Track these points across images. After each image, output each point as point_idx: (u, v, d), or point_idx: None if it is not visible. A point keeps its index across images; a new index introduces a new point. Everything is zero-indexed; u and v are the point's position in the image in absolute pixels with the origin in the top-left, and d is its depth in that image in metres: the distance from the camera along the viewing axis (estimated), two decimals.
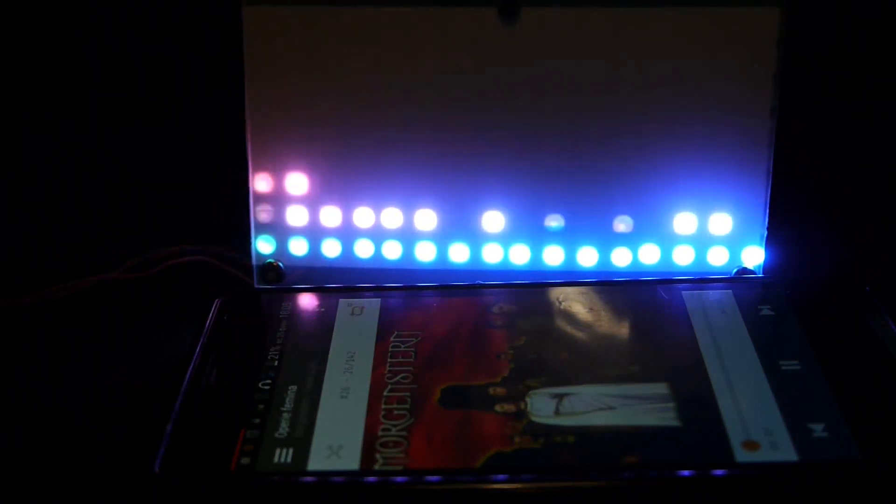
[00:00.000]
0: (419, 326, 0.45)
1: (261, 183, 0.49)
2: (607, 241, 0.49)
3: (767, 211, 0.48)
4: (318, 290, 0.48)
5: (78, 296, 0.52)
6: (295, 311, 0.46)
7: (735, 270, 0.49)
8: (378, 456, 0.38)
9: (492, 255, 0.49)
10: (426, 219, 0.49)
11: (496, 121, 0.48)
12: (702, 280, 0.47)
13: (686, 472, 0.37)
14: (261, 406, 0.41)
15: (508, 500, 0.37)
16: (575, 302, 0.46)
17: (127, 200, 0.58)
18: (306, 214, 0.49)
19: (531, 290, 0.47)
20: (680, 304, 0.46)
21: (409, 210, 0.49)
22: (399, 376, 0.42)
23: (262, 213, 0.49)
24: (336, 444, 0.39)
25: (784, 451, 0.38)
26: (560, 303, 0.46)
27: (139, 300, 0.52)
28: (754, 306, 0.45)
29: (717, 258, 0.49)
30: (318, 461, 0.38)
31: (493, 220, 0.49)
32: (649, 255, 0.49)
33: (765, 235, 0.48)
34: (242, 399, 0.41)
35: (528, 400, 0.41)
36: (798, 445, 0.38)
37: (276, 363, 0.43)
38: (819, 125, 0.55)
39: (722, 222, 0.48)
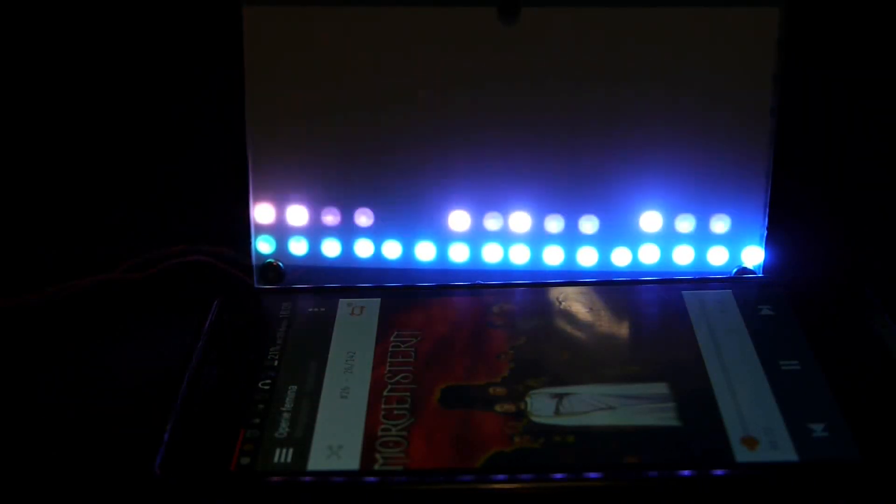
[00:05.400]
0: (419, 326, 0.45)
1: (261, 182, 0.49)
2: (607, 240, 0.49)
3: (767, 211, 0.48)
4: (318, 290, 0.48)
5: (78, 296, 0.52)
6: (295, 311, 0.46)
7: (735, 270, 0.49)
8: (378, 456, 0.38)
9: (492, 255, 0.49)
10: (426, 218, 0.49)
11: (496, 121, 0.48)
12: (702, 280, 0.47)
13: (686, 472, 0.37)
14: (261, 406, 0.41)
15: (508, 500, 0.37)
16: (575, 302, 0.46)
17: (127, 200, 0.58)
18: (306, 214, 0.49)
19: (531, 290, 0.47)
20: (680, 304, 0.46)
21: (409, 210, 0.49)
22: (399, 376, 0.42)
23: (262, 213, 0.49)
24: (336, 443, 0.39)
25: (784, 451, 0.38)
26: (560, 303, 0.46)
27: (139, 300, 0.52)
28: (754, 306, 0.45)
29: (717, 258, 0.49)
30: (317, 461, 0.38)
31: (493, 219, 0.49)
32: (649, 255, 0.49)
33: (765, 235, 0.48)
34: (242, 399, 0.41)
35: (528, 400, 0.41)
36: (798, 445, 0.38)
37: (276, 363, 0.43)
38: (819, 125, 0.55)
39: (722, 222, 0.48)
